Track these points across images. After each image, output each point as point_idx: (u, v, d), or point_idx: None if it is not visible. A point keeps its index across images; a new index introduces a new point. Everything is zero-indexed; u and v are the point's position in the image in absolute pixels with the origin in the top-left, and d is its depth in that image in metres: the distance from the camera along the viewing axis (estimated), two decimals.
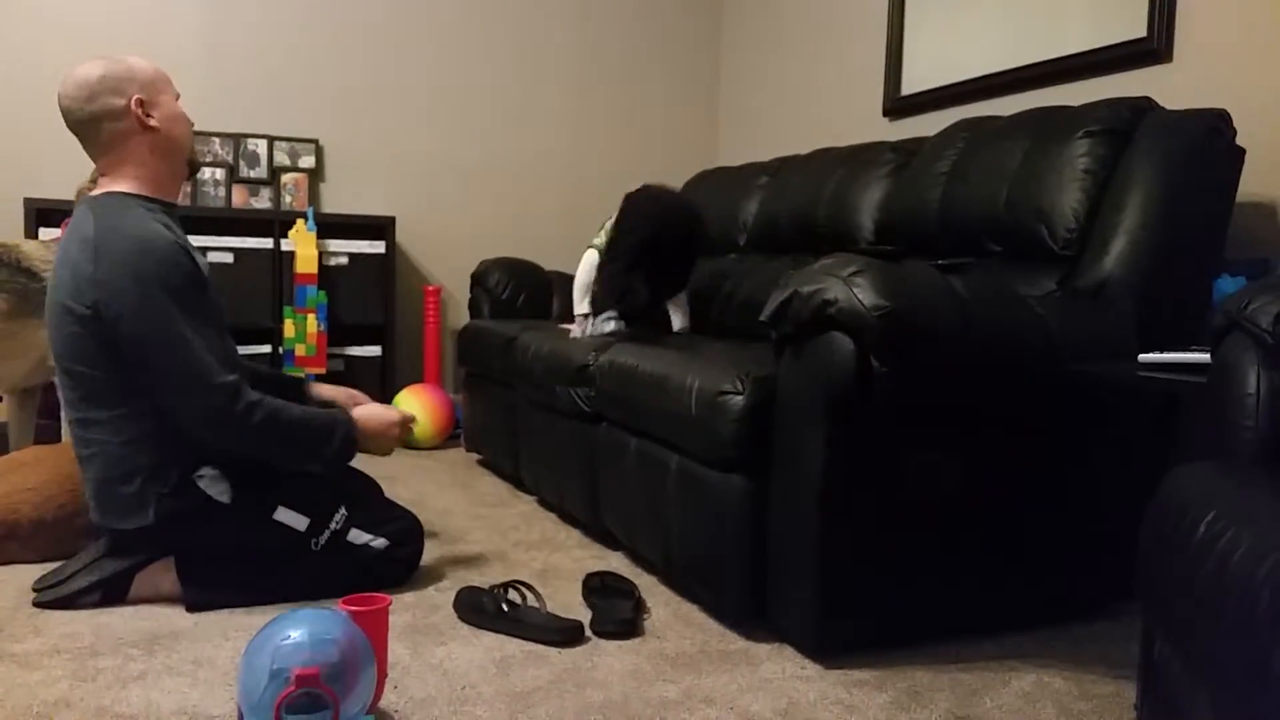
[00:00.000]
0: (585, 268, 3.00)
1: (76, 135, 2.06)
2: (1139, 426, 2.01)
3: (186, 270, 1.99)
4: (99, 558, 2.08)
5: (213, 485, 2.03)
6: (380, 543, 2.15)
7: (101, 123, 2.04)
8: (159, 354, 1.93)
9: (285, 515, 2.08)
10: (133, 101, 2.04)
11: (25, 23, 3.73)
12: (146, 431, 2.00)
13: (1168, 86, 2.51)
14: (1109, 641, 1.97)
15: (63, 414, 2.69)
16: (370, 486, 2.38)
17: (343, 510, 2.13)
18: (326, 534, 2.11)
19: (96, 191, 2.07)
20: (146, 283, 1.92)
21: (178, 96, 2.16)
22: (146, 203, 2.06)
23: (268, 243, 3.84)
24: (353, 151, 4.23)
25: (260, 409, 2.00)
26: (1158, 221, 2.09)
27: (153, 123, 2.07)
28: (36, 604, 2.02)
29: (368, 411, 2.21)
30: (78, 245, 1.97)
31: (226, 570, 2.07)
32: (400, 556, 2.19)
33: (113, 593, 2.05)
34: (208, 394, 1.95)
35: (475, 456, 3.77)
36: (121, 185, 2.07)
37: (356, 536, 2.13)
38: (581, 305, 2.99)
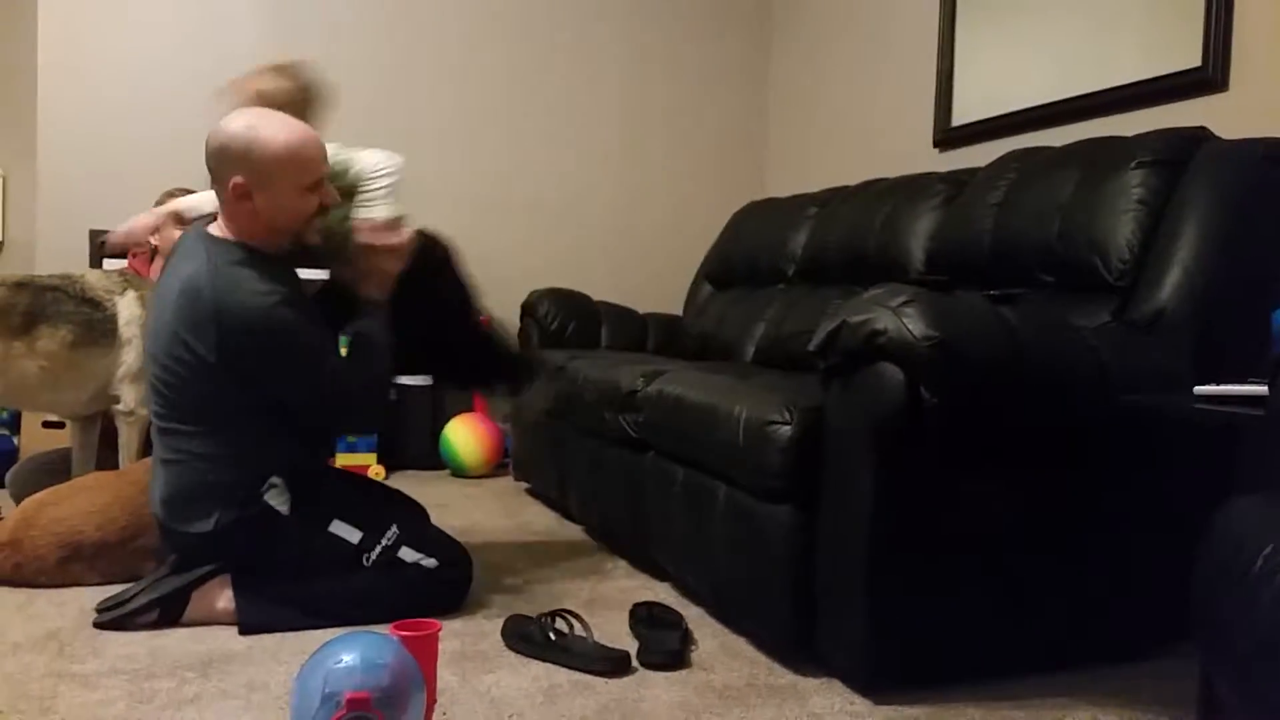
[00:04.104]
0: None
1: None
2: (1195, 459, 1.98)
3: (296, 322, 2.05)
4: (158, 578, 2.13)
5: (276, 496, 2.09)
6: (431, 562, 2.18)
7: (213, 178, 2.10)
8: (298, 394, 2.11)
9: (339, 528, 2.13)
10: (232, 183, 2.04)
11: (88, 63, 3.86)
12: (228, 452, 2.08)
13: (1224, 116, 2.48)
14: (1167, 679, 1.92)
15: (121, 438, 2.76)
16: (419, 513, 2.41)
17: (395, 528, 2.17)
18: (378, 549, 2.14)
19: (211, 227, 2.13)
20: (273, 350, 2.03)
21: (315, 184, 2.11)
22: (248, 252, 2.09)
23: (324, 275, 3.90)
24: (405, 186, 4.30)
25: (354, 383, 2.18)
26: (1213, 252, 2.06)
27: (249, 205, 2.07)
28: (96, 624, 2.07)
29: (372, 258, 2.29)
30: (197, 287, 2.01)
31: (280, 588, 2.11)
32: (450, 578, 2.22)
33: (169, 611, 2.09)
34: (334, 401, 2.15)
35: (523, 485, 3.79)
36: (227, 233, 2.12)
37: (407, 554, 2.16)
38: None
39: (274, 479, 2.09)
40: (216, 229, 2.14)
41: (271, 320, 2.01)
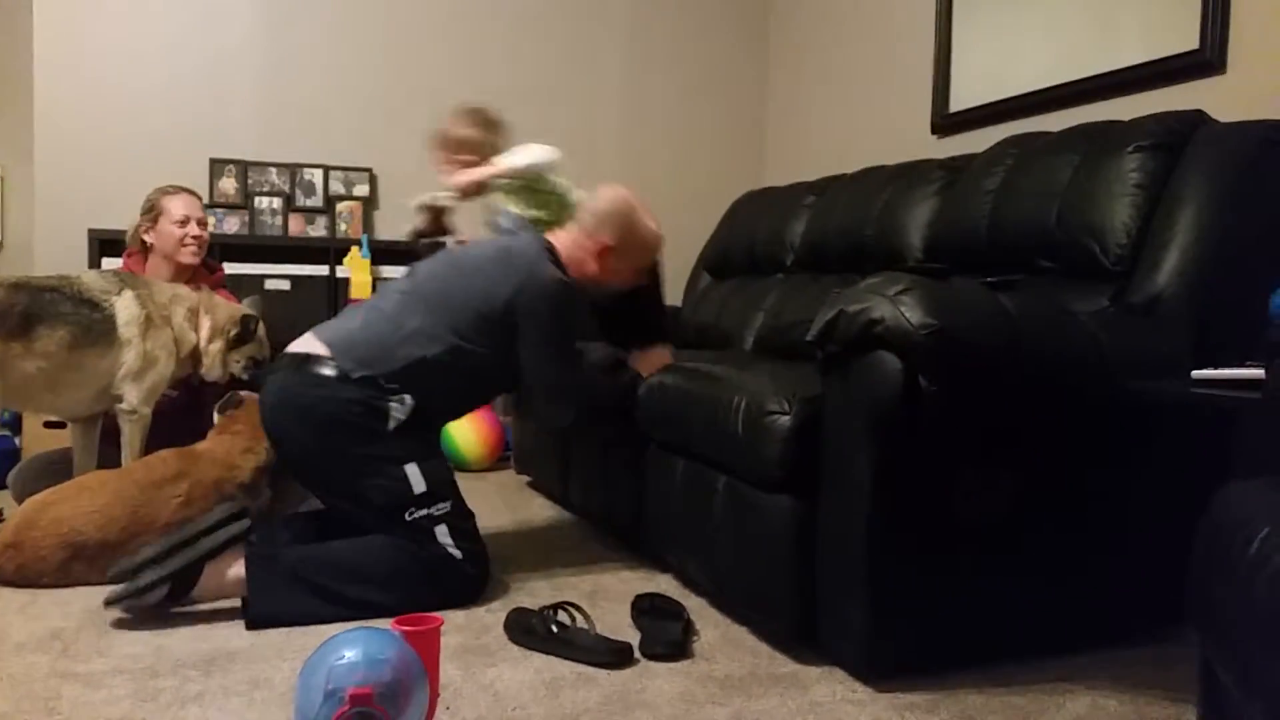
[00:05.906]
0: None
1: None
2: (1193, 444, 1.98)
3: (572, 310, 2.37)
4: (170, 548, 2.13)
5: (398, 409, 2.22)
6: (457, 553, 2.22)
7: (582, 226, 2.47)
8: (536, 357, 2.33)
9: (412, 471, 2.21)
10: (602, 243, 2.43)
11: (85, 62, 3.86)
12: (438, 362, 2.25)
13: (1222, 99, 2.47)
14: (1167, 664, 1.93)
15: (124, 437, 2.75)
16: (469, 513, 2.42)
17: (449, 504, 2.25)
18: (424, 513, 2.21)
19: (551, 234, 2.50)
20: (547, 320, 2.31)
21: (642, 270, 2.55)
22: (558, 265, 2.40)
23: (323, 269, 3.92)
24: (405, 180, 4.30)
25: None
26: (1211, 235, 2.06)
27: (601, 260, 2.44)
28: (108, 601, 2.06)
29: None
30: (519, 252, 2.37)
31: (296, 562, 2.14)
32: (468, 574, 2.25)
33: (181, 584, 2.11)
34: (540, 393, 2.41)
35: (525, 478, 3.79)
36: (555, 242, 2.46)
37: (441, 534, 2.22)
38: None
39: (405, 395, 2.22)
40: (551, 235, 2.49)
41: (559, 297, 2.31)
